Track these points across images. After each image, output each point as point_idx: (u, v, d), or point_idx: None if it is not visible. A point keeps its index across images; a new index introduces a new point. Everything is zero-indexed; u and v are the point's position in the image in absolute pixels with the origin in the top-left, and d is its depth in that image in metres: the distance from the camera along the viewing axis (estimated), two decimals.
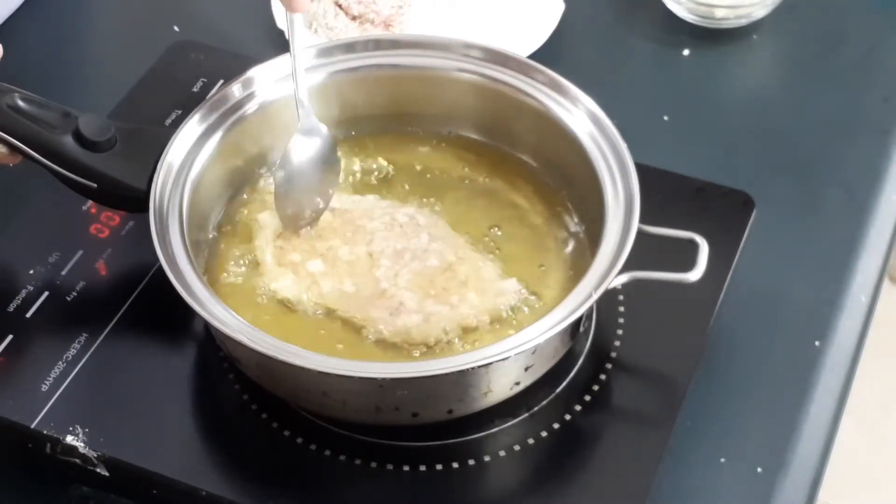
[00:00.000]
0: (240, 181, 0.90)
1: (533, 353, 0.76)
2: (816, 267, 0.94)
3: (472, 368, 0.73)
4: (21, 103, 0.83)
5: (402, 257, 0.84)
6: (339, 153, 0.89)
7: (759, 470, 0.82)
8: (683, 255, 0.79)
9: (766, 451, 0.83)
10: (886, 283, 1.02)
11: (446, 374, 0.73)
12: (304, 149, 0.86)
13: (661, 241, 0.80)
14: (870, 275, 0.95)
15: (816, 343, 0.89)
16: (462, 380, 0.76)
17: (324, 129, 0.87)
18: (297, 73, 0.85)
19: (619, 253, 0.77)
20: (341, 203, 0.88)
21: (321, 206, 0.87)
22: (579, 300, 0.76)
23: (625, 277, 0.78)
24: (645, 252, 0.78)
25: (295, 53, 0.85)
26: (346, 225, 0.87)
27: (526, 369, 0.78)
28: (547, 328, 0.74)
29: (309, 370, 0.73)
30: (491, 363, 0.73)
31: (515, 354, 0.74)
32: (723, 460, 0.83)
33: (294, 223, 0.86)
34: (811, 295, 0.92)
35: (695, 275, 0.78)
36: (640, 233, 0.78)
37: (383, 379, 0.75)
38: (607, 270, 0.77)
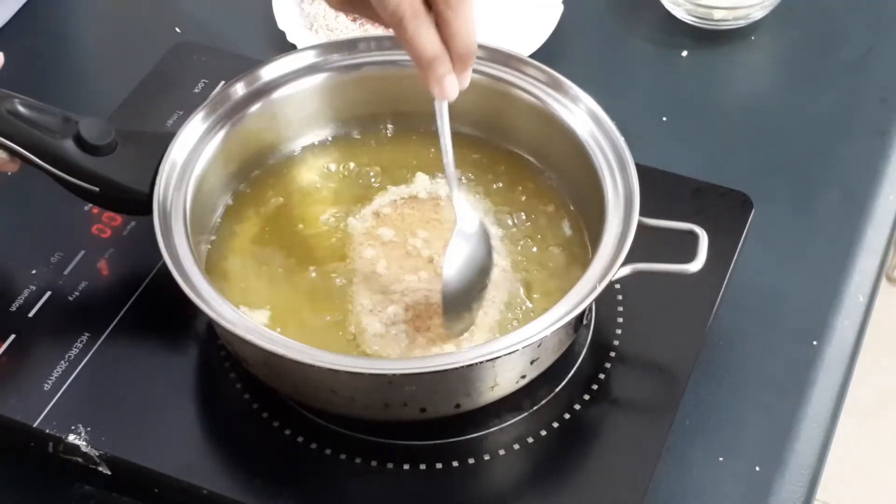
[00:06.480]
0: (243, 179, 0.90)
1: (539, 346, 0.77)
2: (814, 267, 0.95)
3: (480, 363, 0.74)
4: (21, 109, 0.82)
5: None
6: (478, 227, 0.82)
7: (757, 469, 0.83)
8: (684, 250, 0.79)
9: (764, 449, 0.83)
10: (884, 283, 1.02)
11: (455, 369, 0.73)
12: (464, 251, 0.81)
13: (662, 236, 0.80)
14: (867, 274, 0.95)
15: (814, 342, 0.89)
16: (470, 374, 0.76)
17: (476, 221, 0.82)
18: (450, 172, 0.80)
19: (621, 245, 0.78)
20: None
21: (480, 300, 0.82)
22: (584, 293, 0.76)
23: (627, 269, 0.78)
24: (646, 247, 0.79)
25: (446, 149, 0.79)
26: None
27: (532, 362, 0.78)
28: (553, 321, 0.75)
29: (318, 368, 0.73)
30: (499, 357, 0.74)
31: (523, 348, 0.74)
32: (721, 459, 0.83)
33: (460, 329, 0.81)
34: (809, 295, 0.92)
35: (695, 266, 0.78)
36: (640, 226, 0.79)
37: (393, 375, 0.75)
38: (610, 262, 0.77)
